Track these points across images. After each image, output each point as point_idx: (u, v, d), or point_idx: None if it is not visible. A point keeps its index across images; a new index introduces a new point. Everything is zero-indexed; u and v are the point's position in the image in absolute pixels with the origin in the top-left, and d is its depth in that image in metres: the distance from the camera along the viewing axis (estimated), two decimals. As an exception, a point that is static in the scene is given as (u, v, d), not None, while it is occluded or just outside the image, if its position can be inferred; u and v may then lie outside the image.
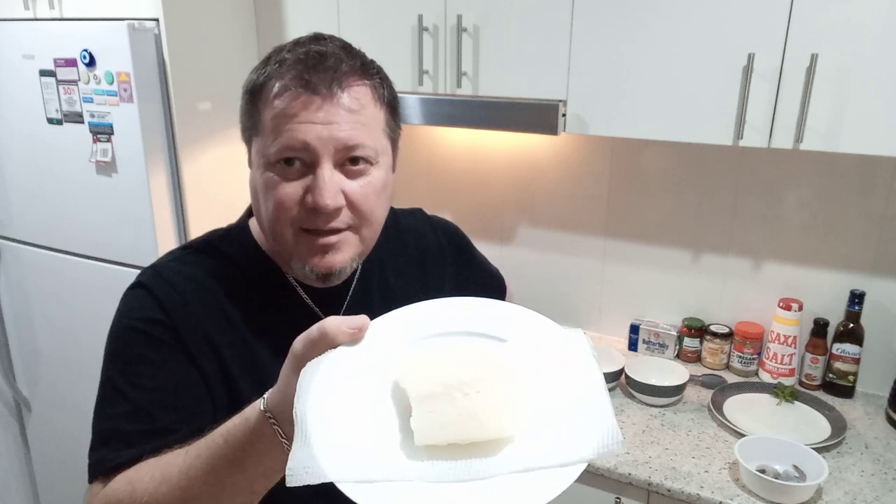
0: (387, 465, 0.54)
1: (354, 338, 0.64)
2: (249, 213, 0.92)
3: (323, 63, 0.76)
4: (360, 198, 0.79)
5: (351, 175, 0.78)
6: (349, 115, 0.76)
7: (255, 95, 0.79)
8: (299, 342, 0.64)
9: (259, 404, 0.65)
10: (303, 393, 0.57)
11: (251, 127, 0.80)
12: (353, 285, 0.92)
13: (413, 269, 1.00)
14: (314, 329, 0.63)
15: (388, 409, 0.59)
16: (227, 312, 0.84)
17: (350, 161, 0.78)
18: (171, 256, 0.89)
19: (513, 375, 0.58)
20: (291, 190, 0.77)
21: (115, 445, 0.77)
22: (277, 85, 0.76)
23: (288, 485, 0.54)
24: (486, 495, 0.51)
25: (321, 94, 0.75)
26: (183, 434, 0.76)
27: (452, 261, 1.07)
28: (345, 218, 0.79)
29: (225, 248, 0.89)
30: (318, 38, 0.81)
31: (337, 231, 0.79)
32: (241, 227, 0.91)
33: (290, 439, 0.60)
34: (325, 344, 0.62)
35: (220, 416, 0.75)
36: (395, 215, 1.03)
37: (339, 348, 0.62)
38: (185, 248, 0.91)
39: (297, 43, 0.80)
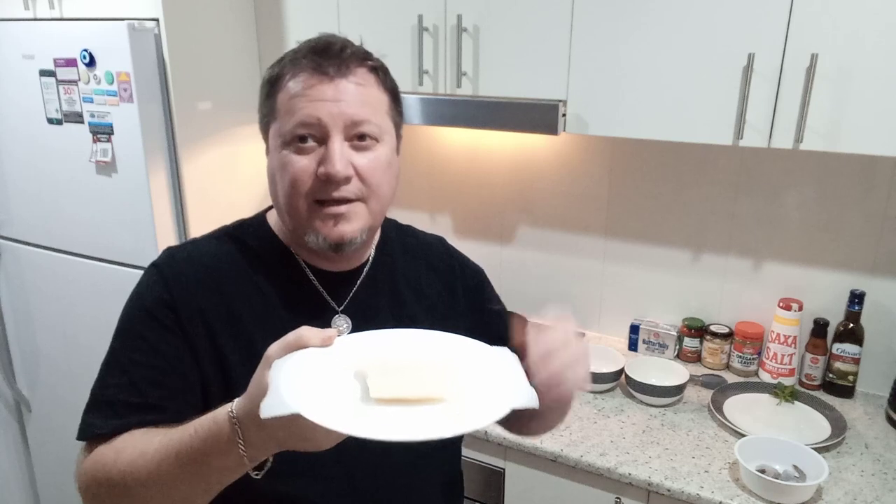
0: (345, 408, 0.66)
1: (325, 344, 0.69)
2: (267, 209, 0.98)
3: (331, 48, 0.85)
4: (368, 170, 0.86)
5: (359, 149, 0.86)
6: (356, 94, 0.84)
7: (272, 85, 0.86)
8: (274, 346, 0.69)
9: (229, 405, 0.71)
10: (276, 366, 0.66)
11: (268, 114, 0.88)
12: (363, 273, 0.96)
13: (425, 278, 1.03)
14: (290, 335, 0.69)
15: (350, 384, 0.70)
16: (232, 295, 0.88)
17: (358, 137, 0.85)
18: (191, 240, 0.97)
19: (448, 364, 0.74)
20: (306, 163, 0.84)
21: (105, 412, 0.84)
22: (291, 71, 0.85)
23: (262, 416, 0.62)
24: (418, 420, 0.65)
25: (329, 75, 0.83)
26: (171, 413, 0.81)
27: (465, 297, 1.08)
28: (354, 189, 0.85)
29: (239, 234, 0.95)
30: (327, 34, 0.89)
31: (347, 201, 0.85)
32: (257, 218, 0.97)
33: (248, 445, 0.68)
34: (299, 346, 0.68)
35: (213, 397, 0.82)
36: (416, 233, 1.10)
37: (312, 349, 0.69)
38: (206, 235, 0.97)
39: (309, 40, 0.88)
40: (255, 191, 2.05)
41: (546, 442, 1.51)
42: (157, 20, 1.72)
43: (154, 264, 0.91)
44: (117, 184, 1.81)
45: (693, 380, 1.76)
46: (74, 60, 1.75)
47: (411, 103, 1.74)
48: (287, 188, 0.85)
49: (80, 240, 1.96)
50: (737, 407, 1.66)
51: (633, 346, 1.98)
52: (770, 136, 1.42)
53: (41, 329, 2.16)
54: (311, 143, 0.84)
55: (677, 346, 1.92)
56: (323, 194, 0.84)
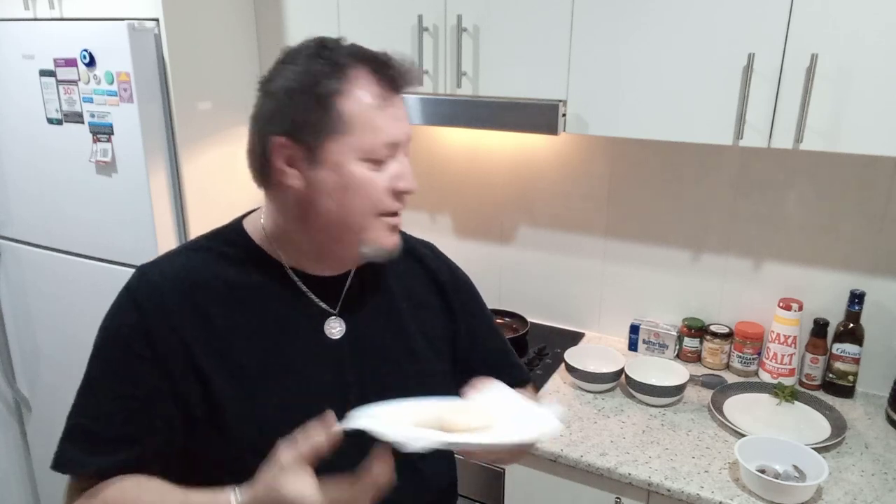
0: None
1: (330, 437, 0.73)
2: (242, 217, 0.97)
3: (393, 61, 0.84)
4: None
5: None
6: (405, 109, 0.88)
7: (329, 97, 0.81)
8: (287, 453, 0.72)
9: (233, 496, 0.75)
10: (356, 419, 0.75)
11: (324, 126, 0.82)
12: (350, 275, 0.96)
13: (415, 278, 1.03)
14: (300, 442, 0.72)
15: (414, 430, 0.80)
16: (212, 310, 0.87)
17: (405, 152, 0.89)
18: (165, 255, 0.93)
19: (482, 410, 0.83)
20: (382, 178, 0.85)
21: (81, 445, 0.86)
22: (361, 83, 0.82)
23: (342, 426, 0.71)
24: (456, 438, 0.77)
25: (397, 91, 0.85)
26: (147, 447, 0.84)
27: (457, 299, 1.09)
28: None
29: (216, 244, 0.93)
30: (339, 40, 0.87)
31: (399, 213, 0.90)
32: (233, 226, 0.96)
33: None
34: (313, 447, 0.72)
35: (197, 421, 0.83)
36: (406, 237, 1.06)
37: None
38: (180, 247, 0.96)
39: (326, 45, 0.84)
40: (256, 191, 2.04)
41: (546, 442, 1.51)
42: (157, 20, 1.72)
43: (126, 287, 0.89)
44: (117, 184, 1.81)
45: (693, 380, 1.75)
46: (74, 60, 1.75)
47: (411, 103, 1.74)
48: (360, 202, 0.84)
49: (80, 240, 1.96)
50: (737, 407, 1.66)
51: (633, 346, 1.98)
52: (770, 136, 1.42)
53: (41, 329, 2.16)
54: (382, 158, 0.85)
55: (677, 346, 1.92)
56: (392, 207, 0.87)
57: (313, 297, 0.92)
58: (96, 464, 0.84)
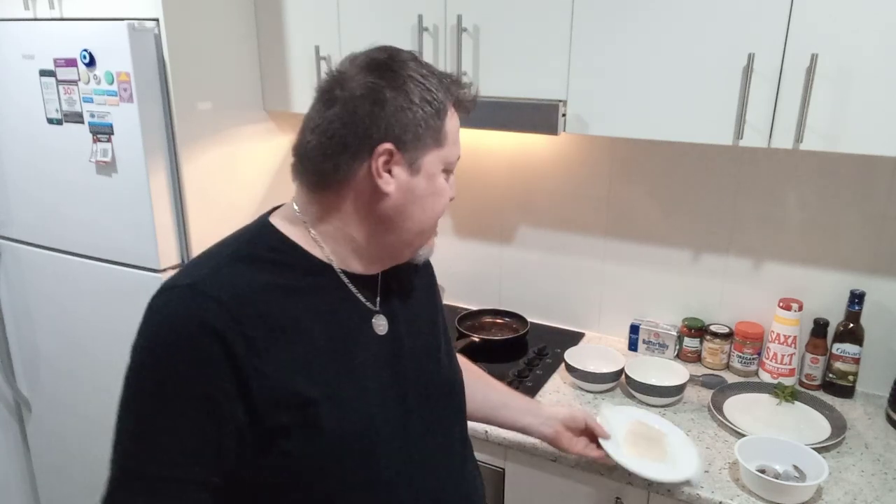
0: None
1: None
2: (266, 217, 0.94)
3: (469, 87, 0.93)
4: None
5: None
6: None
7: (442, 111, 0.88)
8: None
9: None
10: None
11: (431, 138, 0.88)
12: (379, 276, 0.98)
13: (411, 275, 1.06)
14: None
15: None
16: (275, 317, 0.84)
17: None
18: (207, 267, 0.85)
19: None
20: (449, 188, 0.93)
21: (137, 491, 0.79)
22: (454, 103, 0.90)
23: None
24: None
25: (468, 113, 0.94)
26: (207, 485, 0.81)
27: (436, 292, 1.15)
28: None
29: (260, 251, 0.88)
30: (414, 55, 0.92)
31: None
32: (268, 229, 0.91)
33: None
34: None
35: (283, 424, 0.82)
36: None
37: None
38: (217, 256, 0.88)
39: (417, 60, 0.89)
40: (255, 191, 2.05)
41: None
42: (157, 20, 1.72)
43: (188, 286, 0.82)
44: (117, 184, 1.81)
45: (693, 380, 1.76)
46: (74, 60, 1.75)
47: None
48: (437, 210, 0.92)
49: (80, 240, 1.96)
50: (737, 407, 1.66)
51: (633, 346, 1.98)
52: (770, 136, 1.42)
53: (41, 329, 2.16)
54: None
55: (677, 346, 1.92)
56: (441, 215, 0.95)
57: (360, 296, 0.94)
58: None
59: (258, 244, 0.89)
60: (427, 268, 1.11)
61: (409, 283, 1.03)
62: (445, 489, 1.00)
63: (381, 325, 0.95)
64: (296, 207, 0.91)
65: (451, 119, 0.90)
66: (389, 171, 0.86)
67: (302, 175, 0.89)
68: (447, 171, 0.92)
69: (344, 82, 0.85)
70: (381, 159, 0.84)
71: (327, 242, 0.90)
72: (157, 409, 0.79)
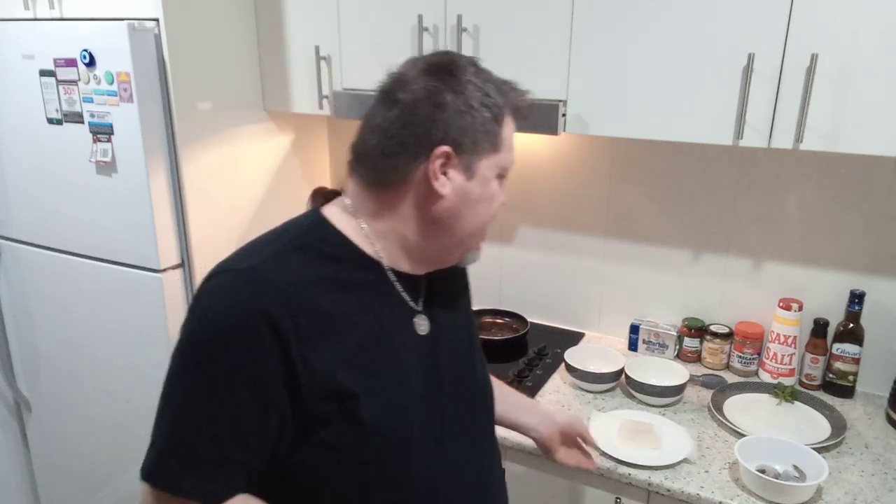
0: None
1: None
2: (317, 210, 0.95)
3: (527, 96, 0.94)
4: None
5: None
6: None
7: (499, 116, 0.89)
8: None
9: None
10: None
11: (489, 143, 0.89)
12: (424, 276, 1.00)
13: (445, 274, 1.07)
14: None
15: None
16: (324, 306, 0.86)
17: None
18: (263, 253, 0.87)
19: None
20: (501, 192, 0.95)
21: (182, 463, 0.82)
22: (511, 109, 0.91)
23: None
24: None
25: (524, 121, 0.96)
26: (252, 466, 0.84)
27: (467, 292, 1.17)
28: None
29: (313, 242, 0.90)
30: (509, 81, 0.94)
31: None
32: (321, 223, 0.92)
33: None
34: None
35: (320, 414, 0.84)
36: None
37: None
38: (272, 244, 0.90)
39: (476, 66, 0.90)
40: (255, 191, 2.05)
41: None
42: (157, 20, 1.71)
43: (244, 270, 0.84)
44: (117, 184, 1.81)
45: (693, 380, 1.76)
46: (74, 60, 1.75)
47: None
48: (488, 214, 0.93)
49: (80, 240, 1.96)
50: (737, 407, 1.65)
51: (633, 346, 1.98)
52: (770, 136, 1.42)
53: (41, 329, 2.17)
54: None
55: (677, 346, 1.92)
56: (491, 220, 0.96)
57: (405, 295, 0.95)
58: (199, 487, 0.82)
59: (312, 236, 0.90)
60: (465, 274, 1.14)
61: (450, 286, 1.05)
62: (472, 491, 1.01)
63: (422, 325, 0.97)
64: (349, 203, 0.93)
65: (508, 125, 0.91)
66: (446, 174, 0.87)
67: (359, 172, 0.91)
68: (500, 176, 0.93)
69: (405, 84, 0.87)
70: (439, 161, 0.86)
71: (379, 240, 0.92)
72: (204, 388, 0.81)
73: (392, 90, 0.87)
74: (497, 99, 0.88)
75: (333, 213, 0.93)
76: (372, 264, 0.92)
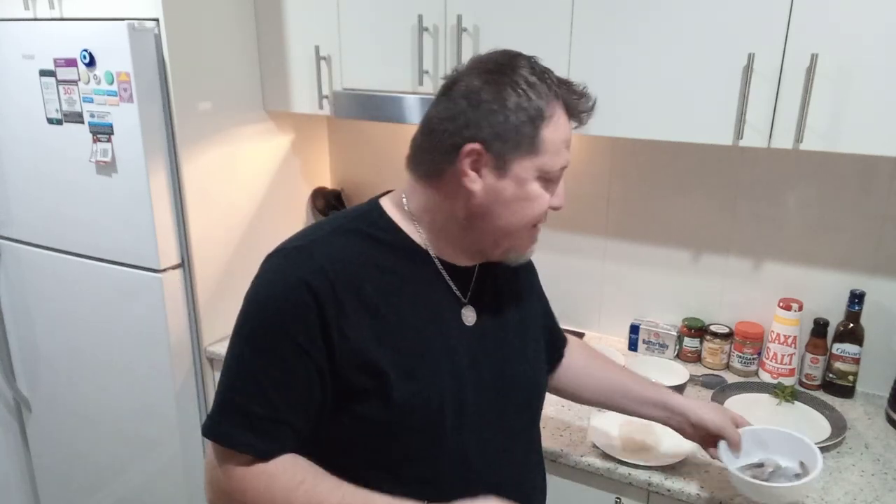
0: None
1: None
2: (376, 199, 1.01)
3: (585, 101, 0.92)
4: None
5: None
6: None
7: (538, 119, 0.88)
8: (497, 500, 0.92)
9: None
10: None
11: (524, 144, 0.88)
12: (476, 268, 1.03)
13: (512, 270, 1.09)
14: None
15: None
16: (368, 289, 0.91)
17: None
18: (313, 235, 0.95)
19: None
20: (548, 197, 0.93)
21: (238, 421, 0.90)
22: (559, 113, 0.90)
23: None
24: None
25: (579, 126, 0.94)
26: (295, 427, 0.91)
27: (538, 285, 1.21)
28: None
29: (363, 227, 0.96)
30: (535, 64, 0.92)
31: None
32: (376, 210, 0.98)
33: None
34: None
35: (357, 388, 0.90)
36: None
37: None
38: (321, 228, 0.97)
39: (535, 68, 0.90)
40: (255, 191, 2.05)
41: (546, 442, 1.51)
42: (157, 20, 1.72)
43: (296, 248, 0.92)
44: (117, 184, 1.81)
45: (693, 380, 1.75)
46: (74, 60, 1.75)
47: (411, 103, 1.74)
48: (527, 215, 0.92)
49: (80, 240, 1.96)
50: (737, 407, 1.65)
51: (633, 346, 1.98)
52: (770, 136, 1.42)
53: (41, 329, 2.17)
54: None
55: (677, 346, 1.92)
56: (543, 220, 0.96)
57: (452, 285, 0.98)
58: (252, 443, 0.89)
59: (364, 221, 0.96)
60: (529, 272, 1.15)
61: (505, 281, 1.06)
62: (503, 482, 1.02)
63: (469, 315, 1.00)
64: (403, 194, 0.98)
65: (554, 128, 0.89)
66: (477, 171, 0.89)
67: (411, 165, 0.96)
68: (545, 178, 0.91)
69: (457, 82, 0.90)
70: (469, 159, 0.88)
71: (424, 230, 0.97)
72: (258, 352, 0.89)
73: (446, 87, 0.91)
74: (539, 101, 0.87)
75: (388, 202, 0.99)
76: (420, 253, 0.96)
